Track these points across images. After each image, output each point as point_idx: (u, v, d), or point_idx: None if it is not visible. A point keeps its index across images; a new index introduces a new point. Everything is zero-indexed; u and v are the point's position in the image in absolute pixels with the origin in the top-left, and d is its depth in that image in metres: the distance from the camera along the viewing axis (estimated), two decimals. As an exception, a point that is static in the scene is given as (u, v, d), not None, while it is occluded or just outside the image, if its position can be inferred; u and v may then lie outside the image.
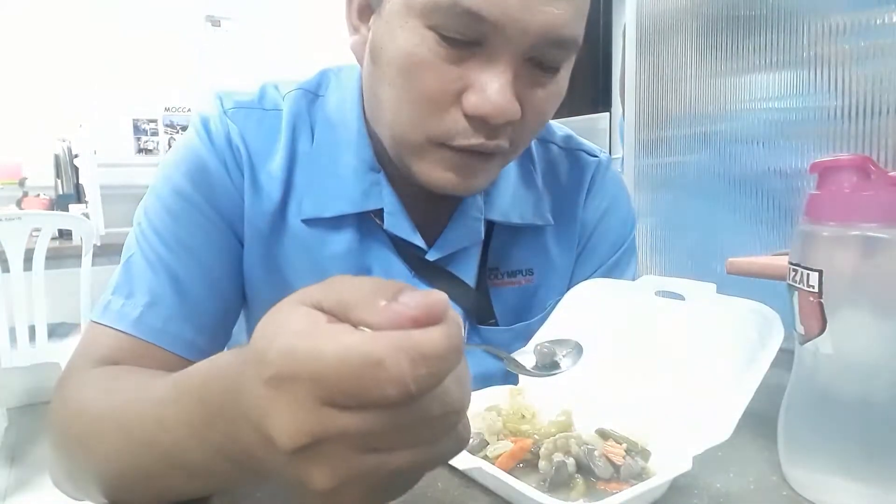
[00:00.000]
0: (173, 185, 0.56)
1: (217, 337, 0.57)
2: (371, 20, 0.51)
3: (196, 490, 0.38)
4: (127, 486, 0.40)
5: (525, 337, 0.56)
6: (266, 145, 0.58)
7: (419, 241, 0.58)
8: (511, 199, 0.62)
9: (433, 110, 0.48)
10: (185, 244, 0.54)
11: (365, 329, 0.25)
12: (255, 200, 0.57)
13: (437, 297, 0.25)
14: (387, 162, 0.57)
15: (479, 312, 0.62)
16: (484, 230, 0.61)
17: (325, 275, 0.67)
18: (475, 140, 0.48)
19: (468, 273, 0.61)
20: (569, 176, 0.68)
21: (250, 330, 0.62)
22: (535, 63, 0.48)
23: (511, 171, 0.63)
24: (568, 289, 0.67)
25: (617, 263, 0.68)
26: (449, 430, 0.27)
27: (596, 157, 0.70)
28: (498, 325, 0.63)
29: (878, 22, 0.90)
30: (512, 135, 0.50)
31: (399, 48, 0.47)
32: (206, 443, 0.32)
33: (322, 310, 0.26)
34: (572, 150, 0.69)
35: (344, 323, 0.26)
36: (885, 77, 0.89)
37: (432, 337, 0.24)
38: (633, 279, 0.69)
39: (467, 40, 0.46)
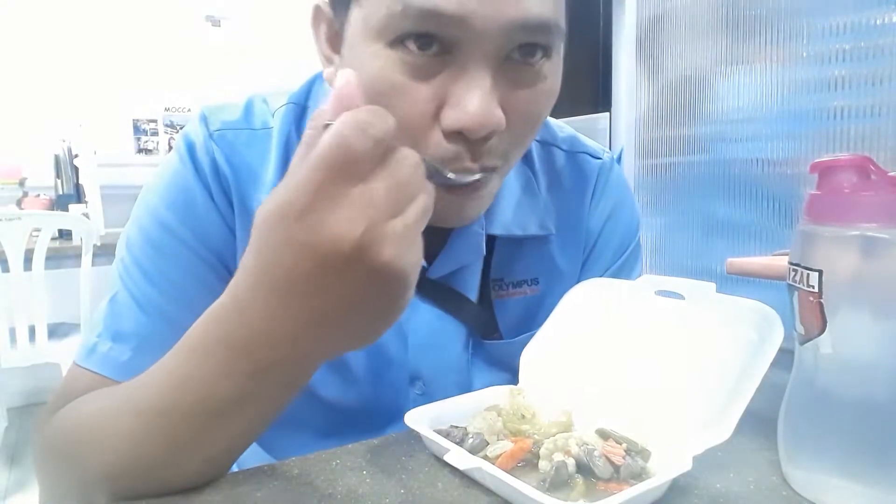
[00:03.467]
0: (157, 217, 0.52)
1: None
2: (342, 50, 0.49)
3: (227, 436, 0.39)
4: (148, 468, 0.39)
5: None
6: (256, 169, 0.54)
7: None
8: (512, 212, 0.60)
9: (414, 137, 0.44)
10: (173, 281, 0.51)
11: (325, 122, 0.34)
12: (245, 228, 0.53)
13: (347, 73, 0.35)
14: None
15: (484, 327, 0.61)
16: (485, 244, 0.59)
17: None
18: (459, 164, 0.44)
19: (470, 288, 0.59)
20: (572, 181, 0.66)
21: None
22: (516, 62, 0.44)
23: (512, 181, 0.62)
24: None
25: (623, 266, 0.67)
26: (422, 183, 0.34)
27: (599, 158, 0.68)
28: (503, 339, 0.62)
29: (878, 22, 0.90)
30: (502, 147, 0.46)
31: (365, 76, 0.43)
32: (237, 371, 0.36)
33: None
34: (575, 154, 0.67)
35: None
36: (885, 77, 0.89)
37: (367, 109, 0.33)
38: None
39: (434, 52, 0.42)
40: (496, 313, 0.62)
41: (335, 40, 0.50)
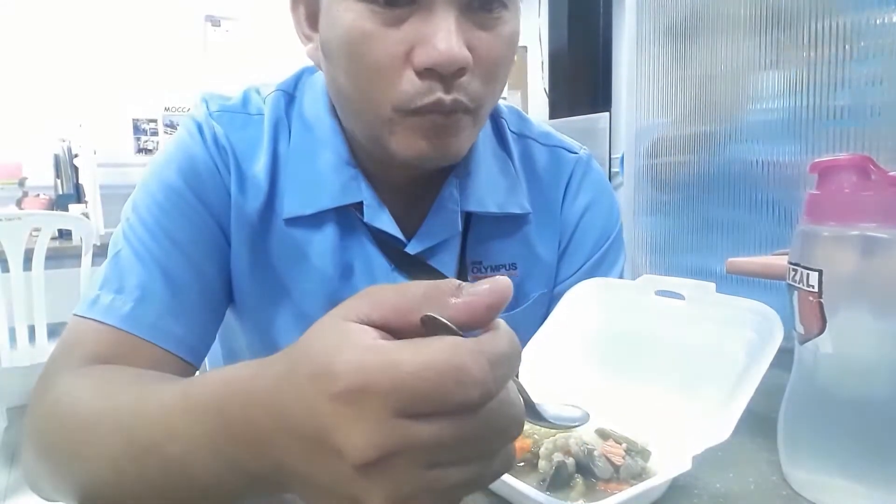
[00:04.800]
0: (164, 180, 0.56)
1: (205, 335, 0.57)
2: (319, 24, 0.54)
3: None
4: (118, 495, 0.38)
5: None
6: (251, 149, 0.59)
7: (398, 233, 0.58)
8: (486, 189, 0.62)
9: (388, 79, 0.48)
10: (175, 239, 0.54)
11: (442, 320, 0.26)
12: (241, 201, 0.57)
13: (504, 281, 0.27)
14: (362, 158, 0.58)
15: None
16: (462, 222, 0.61)
17: (312, 273, 0.67)
18: (433, 97, 0.48)
19: (448, 267, 0.61)
20: (549, 172, 0.68)
21: (244, 330, 0.62)
22: (477, 8, 0.49)
23: (487, 161, 0.64)
24: (554, 284, 0.66)
25: (602, 259, 0.68)
26: (504, 446, 0.28)
27: (575, 153, 0.70)
28: None
29: (878, 22, 0.90)
30: (469, 88, 0.50)
31: (340, 30, 0.49)
32: (220, 456, 0.32)
33: (372, 324, 0.27)
34: (551, 147, 0.69)
35: (399, 330, 0.26)
36: (885, 77, 0.89)
37: (503, 338, 0.26)
38: (622, 275, 0.69)
39: (401, 2, 0.47)
40: None
41: (312, 19, 0.55)
